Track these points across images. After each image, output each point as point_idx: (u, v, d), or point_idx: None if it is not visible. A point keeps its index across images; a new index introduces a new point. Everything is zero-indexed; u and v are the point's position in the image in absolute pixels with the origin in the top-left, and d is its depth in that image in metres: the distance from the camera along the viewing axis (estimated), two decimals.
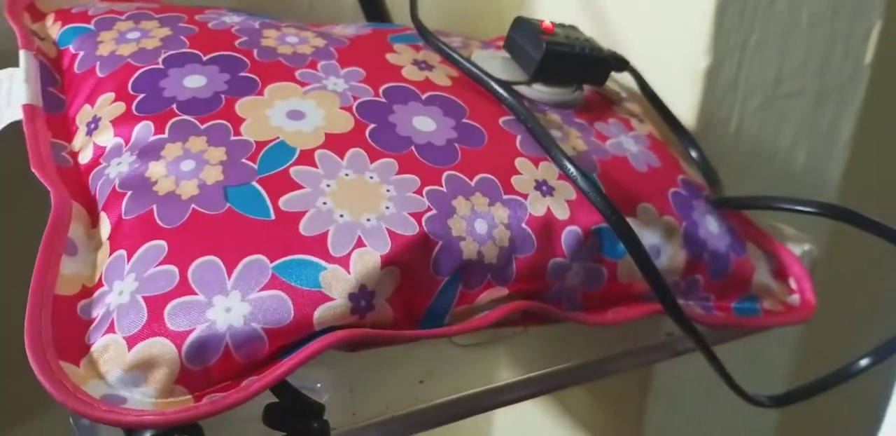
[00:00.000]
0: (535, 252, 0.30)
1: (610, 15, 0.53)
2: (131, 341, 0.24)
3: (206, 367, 0.24)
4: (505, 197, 0.31)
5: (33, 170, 0.30)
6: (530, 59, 0.37)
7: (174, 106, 0.31)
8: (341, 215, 0.27)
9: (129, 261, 0.26)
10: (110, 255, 0.26)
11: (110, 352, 0.24)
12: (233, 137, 0.29)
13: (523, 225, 0.30)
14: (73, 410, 0.22)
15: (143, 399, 0.23)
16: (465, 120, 0.34)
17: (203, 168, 0.28)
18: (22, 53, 0.35)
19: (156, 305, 0.24)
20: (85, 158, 0.31)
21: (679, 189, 0.37)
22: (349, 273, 0.26)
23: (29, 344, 0.23)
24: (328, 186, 0.28)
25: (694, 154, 0.43)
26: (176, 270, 0.25)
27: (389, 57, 0.36)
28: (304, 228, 0.27)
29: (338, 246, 0.26)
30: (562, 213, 0.32)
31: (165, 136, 0.30)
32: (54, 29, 0.37)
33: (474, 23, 0.62)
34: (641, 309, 0.34)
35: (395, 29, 0.40)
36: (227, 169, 0.28)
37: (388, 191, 0.29)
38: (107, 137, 0.31)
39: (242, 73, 0.33)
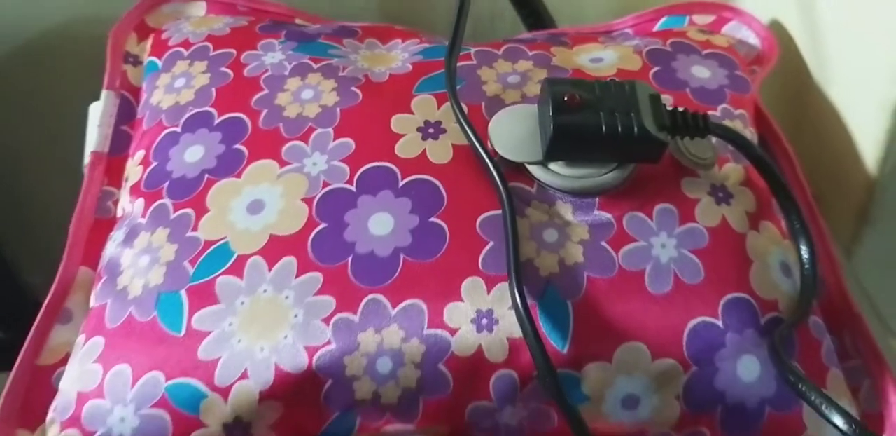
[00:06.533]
0: (449, 395, 0.28)
1: (819, 12, 0.40)
2: (62, 425, 0.29)
3: None
4: (426, 332, 0.28)
5: (71, 224, 0.35)
6: (545, 134, 0.31)
7: (165, 185, 0.33)
8: (239, 341, 0.29)
9: (81, 350, 0.31)
10: (80, 333, 0.32)
11: (53, 428, 0.30)
12: (188, 233, 0.31)
13: (440, 365, 0.28)
14: None
15: None
16: (433, 218, 0.31)
17: (152, 268, 0.31)
18: (103, 94, 0.39)
19: (81, 400, 0.29)
20: (118, 212, 0.36)
21: (709, 318, 0.29)
22: (226, 404, 0.28)
23: (0, 409, 0.30)
24: (242, 303, 0.29)
25: (804, 249, 0.33)
26: (101, 371, 0.29)
27: (395, 120, 0.33)
28: (203, 350, 0.28)
29: (224, 376, 0.28)
30: (497, 354, 0.28)
31: (144, 221, 0.32)
32: (146, 54, 0.41)
33: None
34: None
35: (439, 62, 0.36)
36: (168, 272, 0.30)
37: (295, 316, 0.29)
38: (125, 202, 0.35)
39: (236, 146, 0.33)
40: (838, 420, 0.25)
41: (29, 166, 0.63)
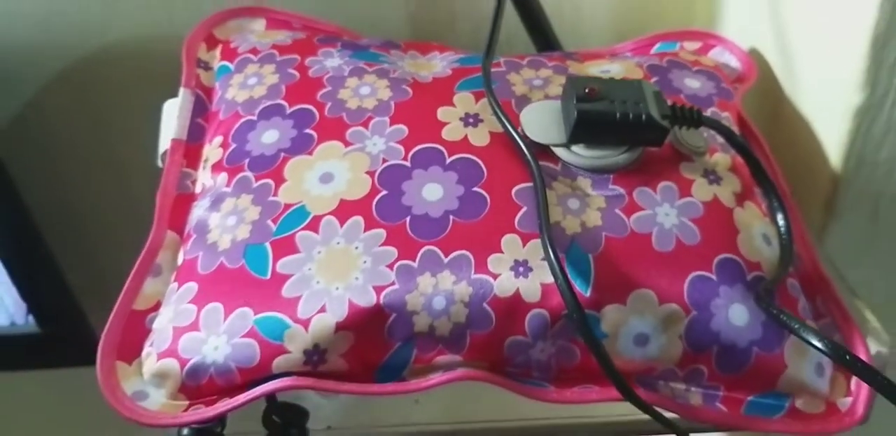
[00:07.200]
0: (492, 330, 0.34)
1: (790, 39, 0.47)
2: (159, 356, 0.34)
3: (198, 384, 0.34)
4: (474, 276, 0.34)
5: (157, 197, 0.41)
6: (568, 121, 0.38)
7: (246, 161, 0.39)
8: (317, 282, 0.34)
9: (175, 294, 0.36)
10: (172, 282, 0.37)
11: (149, 359, 0.35)
12: (270, 198, 0.37)
13: (484, 304, 0.34)
14: (108, 401, 0.33)
15: (158, 398, 0.34)
16: (475, 188, 0.37)
17: (239, 226, 0.36)
18: (181, 91, 0.45)
19: (177, 334, 0.34)
20: (197, 189, 0.42)
21: (705, 273, 0.35)
22: (307, 333, 0.33)
23: (101, 346, 0.35)
24: (319, 252, 0.35)
25: (781, 222, 0.39)
26: (195, 309, 0.35)
27: (441, 111, 0.40)
28: (286, 289, 0.34)
29: (305, 310, 0.33)
30: (531, 295, 0.34)
31: (229, 190, 0.38)
32: (217, 61, 0.47)
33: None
34: (613, 392, 0.33)
35: (475, 68, 0.42)
36: (253, 229, 0.36)
37: (364, 262, 0.34)
38: (206, 178, 0.41)
39: (307, 130, 0.40)
40: (814, 340, 0.31)
41: (77, 170, 0.69)
